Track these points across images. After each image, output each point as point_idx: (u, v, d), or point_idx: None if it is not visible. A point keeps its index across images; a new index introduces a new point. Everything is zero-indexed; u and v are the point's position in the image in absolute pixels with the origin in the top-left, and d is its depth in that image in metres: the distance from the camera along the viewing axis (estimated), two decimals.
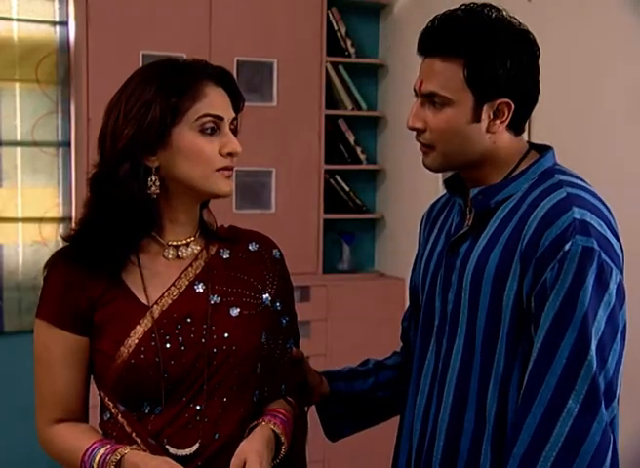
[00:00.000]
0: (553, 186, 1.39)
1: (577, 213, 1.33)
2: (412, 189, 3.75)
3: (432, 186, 3.22)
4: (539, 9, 2.83)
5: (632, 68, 2.48)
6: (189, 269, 1.48)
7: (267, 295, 1.51)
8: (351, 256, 4.06)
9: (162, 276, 1.46)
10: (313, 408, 1.68)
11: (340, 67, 3.95)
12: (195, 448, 1.40)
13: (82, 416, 1.49)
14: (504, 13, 1.43)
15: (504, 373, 1.38)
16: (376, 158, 4.16)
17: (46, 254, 1.44)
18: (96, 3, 3.46)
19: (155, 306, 1.43)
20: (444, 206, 1.64)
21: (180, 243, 1.48)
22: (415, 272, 1.64)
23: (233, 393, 1.44)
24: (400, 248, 3.86)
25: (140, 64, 3.42)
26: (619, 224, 1.42)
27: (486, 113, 1.40)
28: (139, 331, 1.40)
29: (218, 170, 1.42)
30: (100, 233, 1.41)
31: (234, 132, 1.47)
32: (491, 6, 1.43)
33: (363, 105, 4.02)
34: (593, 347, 1.29)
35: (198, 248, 1.50)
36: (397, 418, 1.66)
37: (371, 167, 4.11)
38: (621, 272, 1.36)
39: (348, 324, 3.77)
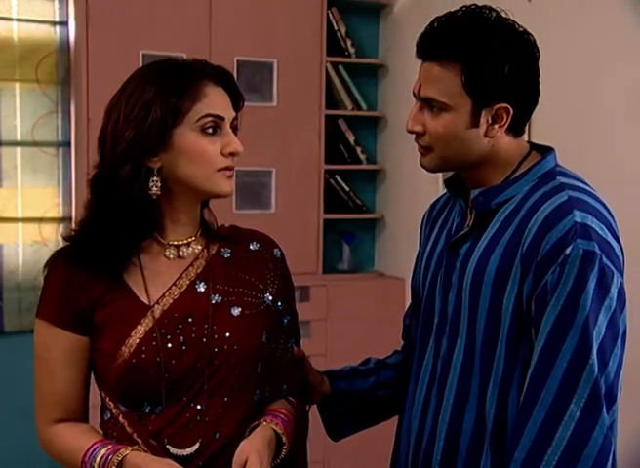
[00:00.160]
0: (554, 189, 1.39)
1: (578, 216, 1.33)
2: (412, 189, 3.75)
3: (432, 186, 3.22)
4: (539, 9, 2.83)
5: (632, 68, 2.48)
6: (190, 269, 1.48)
7: (269, 295, 1.51)
8: (351, 256, 4.06)
9: (163, 276, 1.46)
10: (314, 407, 1.68)
11: (340, 67, 3.95)
12: (196, 447, 1.40)
13: (82, 416, 1.49)
14: (504, 14, 1.42)
15: (504, 376, 1.38)
16: (376, 158, 4.16)
17: (46, 254, 1.44)
18: (96, 3, 3.46)
19: (156, 306, 1.43)
20: (445, 205, 1.64)
21: (180, 242, 1.48)
22: (416, 271, 1.64)
23: (234, 393, 1.44)
24: (400, 248, 3.86)
25: (141, 64, 3.41)
26: (619, 224, 1.42)
27: (484, 118, 1.40)
28: (140, 330, 1.40)
29: (219, 170, 1.42)
30: (101, 235, 1.41)
31: (234, 131, 1.47)
32: (490, 8, 1.42)
33: (363, 105, 4.02)
34: (594, 351, 1.29)
35: (199, 247, 1.50)
36: (397, 417, 1.67)
37: (371, 167, 4.11)
38: (622, 275, 1.36)
39: (348, 324, 3.77)
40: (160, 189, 1.41)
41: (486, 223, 1.44)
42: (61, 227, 3.68)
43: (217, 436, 1.41)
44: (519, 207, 1.40)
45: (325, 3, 3.85)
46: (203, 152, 1.40)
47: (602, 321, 1.30)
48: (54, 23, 3.63)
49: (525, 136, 1.51)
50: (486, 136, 1.41)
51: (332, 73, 3.92)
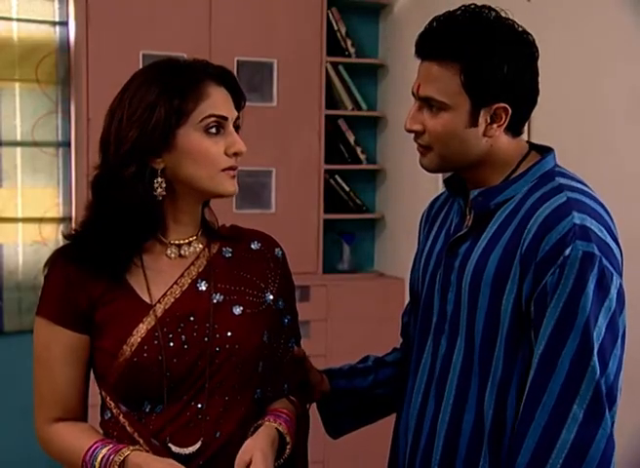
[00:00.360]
0: (553, 190, 1.39)
1: (577, 217, 1.33)
2: (412, 189, 3.75)
3: (432, 186, 3.22)
4: (538, 9, 2.83)
5: (632, 68, 2.48)
6: (192, 268, 1.48)
7: (270, 294, 1.51)
8: (351, 256, 4.06)
9: (164, 275, 1.46)
10: (313, 406, 1.68)
11: (340, 67, 3.96)
12: (198, 446, 1.40)
13: (81, 415, 1.49)
14: (504, 14, 1.42)
15: (503, 376, 1.38)
16: (376, 158, 4.16)
17: (46, 254, 1.44)
18: (96, 3, 3.47)
19: (158, 304, 1.43)
20: (444, 203, 1.64)
21: (182, 242, 1.48)
22: (414, 269, 1.64)
23: (235, 392, 1.44)
24: (400, 248, 3.86)
25: (141, 64, 3.42)
26: (619, 225, 1.42)
27: (483, 118, 1.40)
28: (141, 329, 1.40)
29: (223, 170, 1.42)
30: (103, 236, 1.41)
31: (236, 130, 1.47)
32: (490, 8, 1.42)
33: (363, 105, 4.02)
34: (595, 352, 1.29)
35: (200, 246, 1.50)
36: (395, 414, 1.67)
37: (371, 167, 4.11)
38: (621, 276, 1.36)
39: (348, 324, 3.77)
40: (164, 190, 1.42)
41: (485, 223, 1.44)
42: (61, 227, 3.68)
43: (217, 435, 1.41)
44: (518, 207, 1.40)
45: (325, 3, 3.85)
46: (207, 152, 1.41)
47: (602, 322, 1.30)
48: (54, 23, 3.63)
49: (525, 136, 1.51)
50: (485, 135, 1.41)
51: (332, 73, 3.92)
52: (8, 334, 3.61)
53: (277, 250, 1.58)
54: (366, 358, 1.79)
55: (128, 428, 1.42)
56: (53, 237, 3.68)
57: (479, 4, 1.43)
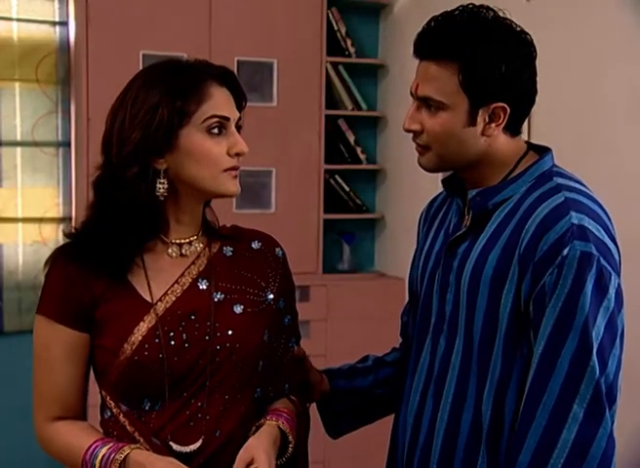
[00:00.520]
0: (551, 190, 1.39)
1: (574, 217, 1.33)
2: (412, 189, 3.76)
3: (432, 186, 3.21)
4: (538, 9, 2.84)
5: (632, 68, 2.48)
6: (192, 266, 1.48)
7: (270, 294, 1.52)
8: (351, 256, 4.06)
9: (165, 273, 1.46)
10: (313, 406, 1.68)
11: (340, 67, 3.96)
12: (199, 444, 1.40)
13: (80, 414, 1.48)
14: (502, 14, 1.42)
15: (501, 376, 1.38)
16: (376, 158, 4.16)
17: (46, 254, 1.45)
18: (96, 3, 3.47)
19: (159, 303, 1.43)
20: (443, 202, 1.64)
21: (183, 241, 1.49)
22: (413, 268, 1.64)
23: (235, 391, 1.44)
24: (400, 248, 3.86)
25: (141, 64, 3.42)
26: (618, 224, 1.42)
27: (481, 117, 1.40)
28: (142, 327, 1.40)
29: (225, 170, 1.43)
30: (105, 236, 1.42)
31: (238, 130, 1.47)
32: (488, 7, 1.42)
33: (363, 105, 4.03)
34: (595, 352, 1.29)
35: (201, 245, 1.51)
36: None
37: (371, 167, 4.11)
38: (619, 276, 1.36)
39: (348, 324, 3.77)
40: (167, 191, 1.42)
41: (483, 223, 1.44)
42: (61, 227, 3.68)
43: (217, 433, 1.42)
44: (516, 207, 1.41)
45: (325, 3, 3.85)
46: (209, 153, 1.41)
47: (601, 322, 1.30)
48: (54, 23, 3.63)
49: (524, 136, 1.52)
50: (483, 134, 1.42)
51: (332, 73, 3.93)
52: (8, 334, 3.61)
53: (277, 249, 1.58)
54: (366, 358, 1.79)
55: (128, 427, 1.42)
56: (53, 237, 3.68)
57: (477, 4, 1.44)
